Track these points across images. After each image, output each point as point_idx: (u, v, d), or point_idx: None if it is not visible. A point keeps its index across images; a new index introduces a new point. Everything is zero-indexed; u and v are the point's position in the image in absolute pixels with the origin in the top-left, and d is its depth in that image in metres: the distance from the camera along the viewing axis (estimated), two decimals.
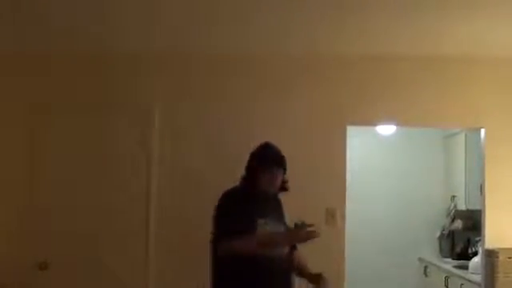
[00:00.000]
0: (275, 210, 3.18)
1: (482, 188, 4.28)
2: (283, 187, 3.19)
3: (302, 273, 3.19)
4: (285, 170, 3.16)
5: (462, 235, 5.87)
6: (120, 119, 4.30)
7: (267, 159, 3.13)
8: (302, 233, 2.91)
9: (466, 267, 5.15)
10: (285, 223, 3.19)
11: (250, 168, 3.13)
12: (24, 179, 4.27)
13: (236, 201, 3.06)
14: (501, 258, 4.03)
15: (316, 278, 3.11)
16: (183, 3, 3.22)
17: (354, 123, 4.31)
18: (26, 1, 3.19)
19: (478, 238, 5.11)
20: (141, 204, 4.22)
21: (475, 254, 5.25)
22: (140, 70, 4.31)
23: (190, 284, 3.85)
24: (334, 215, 4.15)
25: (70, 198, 4.24)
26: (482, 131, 4.28)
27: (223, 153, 4.14)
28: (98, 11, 3.36)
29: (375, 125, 5.42)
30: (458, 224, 5.97)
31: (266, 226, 2.99)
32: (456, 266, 5.41)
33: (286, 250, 3.08)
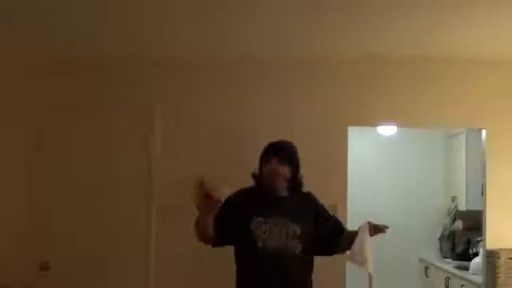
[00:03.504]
0: (288, 210, 3.08)
1: (483, 188, 4.29)
2: (295, 183, 3.16)
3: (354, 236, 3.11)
4: (290, 163, 3.12)
5: (462, 236, 5.89)
6: (121, 119, 4.30)
7: (265, 149, 3.14)
8: (196, 193, 2.85)
9: (466, 268, 5.16)
10: (307, 222, 3.10)
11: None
12: (24, 179, 4.28)
13: (238, 197, 3.10)
14: (502, 258, 4.02)
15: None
16: (184, 5, 3.23)
17: (355, 124, 4.31)
18: (27, 2, 3.19)
19: (478, 239, 5.12)
20: (143, 204, 4.22)
21: (476, 254, 5.26)
22: (141, 70, 4.31)
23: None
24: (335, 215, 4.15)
25: (70, 198, 4.25)
26: (483, 132, 4.28)
27: (224, 154, 4.14)
28: (99, 12, 3.37)
29: (376, 125, 5.43)
30: (459, 224, 5.98)
31: (263, 225, 2.99)
32: (457, 267, 5.42)
33: (299, 248, 3.01)
